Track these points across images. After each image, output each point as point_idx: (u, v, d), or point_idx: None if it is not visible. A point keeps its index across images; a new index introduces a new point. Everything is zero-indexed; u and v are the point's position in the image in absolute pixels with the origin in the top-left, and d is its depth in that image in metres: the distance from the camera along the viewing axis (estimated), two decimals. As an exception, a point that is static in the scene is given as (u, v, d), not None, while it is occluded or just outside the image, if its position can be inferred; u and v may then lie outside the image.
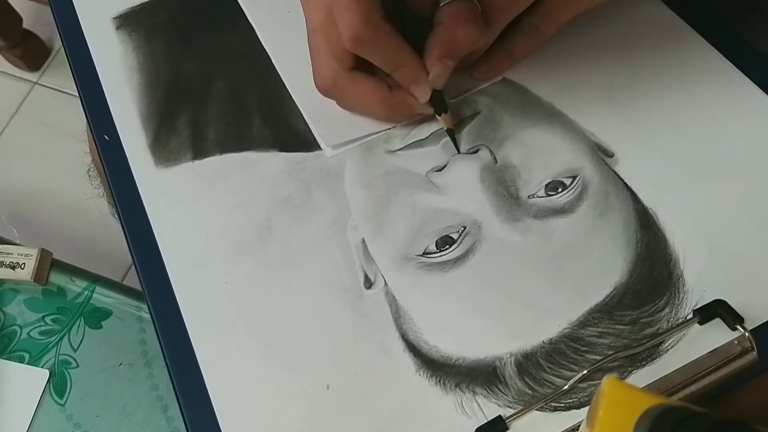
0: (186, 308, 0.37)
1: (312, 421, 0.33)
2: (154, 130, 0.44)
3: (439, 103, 0.39)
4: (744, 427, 0.22)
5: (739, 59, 0.41)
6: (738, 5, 0.45)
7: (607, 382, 0.24)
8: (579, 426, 0.31)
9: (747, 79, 0.40)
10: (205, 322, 0.36)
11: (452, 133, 0.40)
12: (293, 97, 0.43)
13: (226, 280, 0.37)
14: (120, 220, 0.41)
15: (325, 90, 0.39)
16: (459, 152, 0.39)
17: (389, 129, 0.41)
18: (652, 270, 0.35)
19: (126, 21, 0.49)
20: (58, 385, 0.51)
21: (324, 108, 0.41)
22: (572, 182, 0.38)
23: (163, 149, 0.43)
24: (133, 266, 0.39)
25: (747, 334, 0.32)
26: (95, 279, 0.56)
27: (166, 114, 0.44)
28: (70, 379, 0.52)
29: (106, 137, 0.44)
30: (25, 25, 1.34)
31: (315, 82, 0.39)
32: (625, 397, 0.23)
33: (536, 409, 0.32)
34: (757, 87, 0.40)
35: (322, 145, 0.41)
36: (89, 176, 0.65)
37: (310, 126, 0.42)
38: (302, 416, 0.33)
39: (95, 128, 0.45)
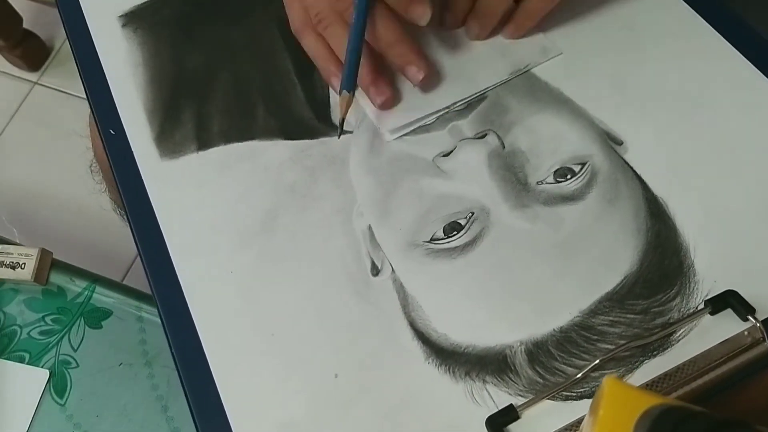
0: (192, 298, 0.37)
1: (319, 410, 0.33)
2: (159, 123, 0.43)
3: None
4: (744, 426, 0.22)
5: (751, 51, 0.40)
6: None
7: (607, 382, 0.24)
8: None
9: (756, 70, 0.40)
10: (211, 311, 0.36)
11: None
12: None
13: (231, 270, 0.37)
14: (126, 212, 0.41)
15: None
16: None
17: (445, 110, 0.40)
18: (663, 259, 0.35)
19: (131, 18, 0.49)
20: (58, 385, 0.51)
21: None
22: (581, 169, 0.37)
23: (168, 141, 0.42)
24: (132, 266, 0.39)
25: (759, 324, 0.32)
26: (95, 279, 0.55)
27: (171, 107, 0.44)
28: (70, 379, 0.51)
29: (112, 131, 0.44)
30: (26, 25, 1.34)
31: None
32: (625, 397, 0.23)
33: (547, 398, 0.31)
34: (765, 78, 0.39)
35: (381, 130, 0.40)
36: (91, 171, 0.65)
37: (368, 114, 0.41)
38: (310, 405, 0.33)
39: (101, 123, 0.44)
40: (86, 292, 0.54)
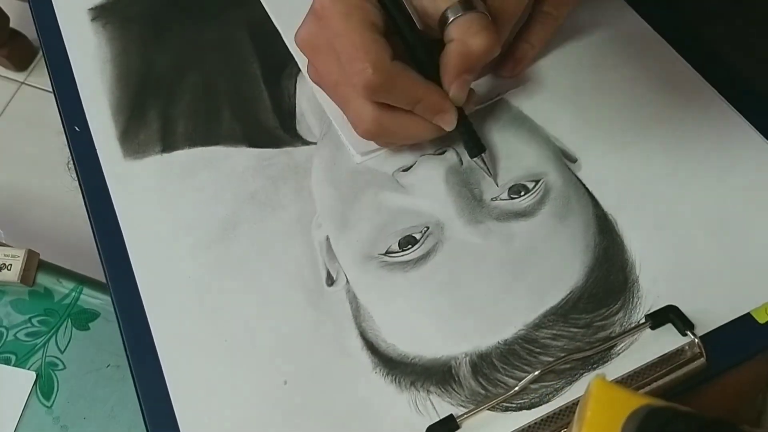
0: (148, 300, 0.37)
1: (268, 416, 0.34)
2: (124, 122, 0.44)
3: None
4: (730, 426, 0.23)
5: (706, 68, 0.42)
6: (706, 15, 0.45)
7: (596, 383, 0.24)
8: (529, 426, 0.32)
9: (712, 88, 0.41)
10: (166, 314, 0.37)
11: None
12: (324, 108, 0.42)
13: (189, 274, 0.38)
14: (87, 210, 0.41)
15: (371, 134, 0.37)
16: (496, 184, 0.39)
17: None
18: (609, 274, 0.36)
19: (101, 12, 0.49)
20: (44, 386, 0.51)
21: None
22: (535, 186, 0.38)
23: (132, 141, 0.43)
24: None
25: (697, 340, 0.33)
26: (82, 280, 0.55)
27: (136, 106, 0.44)
28: (57, 381, 0.51)
29: (77, 128, 0.44)
30: (12, 24, 1.32)
31: (358, 132, 0.37)
32: (612, 398, 0.24)
33: (488, 409, 0.32)
34: (721, 97, 0.41)
35: (351, 152, 0.41)
36: (68, 168, 0.65)
37: (340, 134, 0.41)
38: (259, 411, 0.34)
39: (66, 119, 0.45)
40: (73, 294, 0.54)
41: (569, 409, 0.32)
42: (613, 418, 0.23)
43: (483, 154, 0.38)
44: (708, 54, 0.42)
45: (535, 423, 0.32)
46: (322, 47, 0.36)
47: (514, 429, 0.32)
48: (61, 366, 0.52)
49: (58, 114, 0.45)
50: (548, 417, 0.32)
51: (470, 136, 0.38)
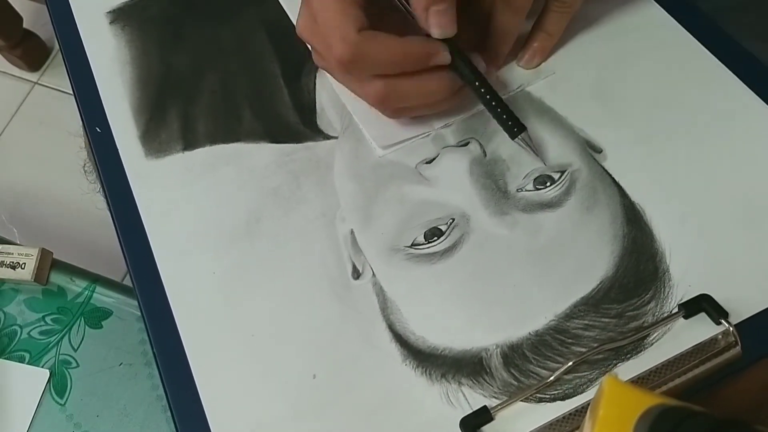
0: (174, 298, 0.37)
1: (298, 411, 0.33)
2: (144, 122, 0.44)
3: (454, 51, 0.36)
4: (744, 426, 0.22)
5: (729, 58, 0.41)
6: (729, 4, 0.45)
7: (608, 382, 0.24)
8: (563, 417, 0.31)
9: (735, 77, 0.40)
10: (192, 311, 0.37)
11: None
12: (344, 102, 0.42)
13: (214, 270, 0.38)
14: (110, 210, 0.41)
15: (386, 102, 0.37)
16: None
17: (440, 128, 0.40)
18: (639, 264, 0.35)
19: (119, 15, 0.49)
20: (58, 384, 0.51)
21: (375, 111, 0.41)
22: (561, 177, 0.38)
23: (154, 141, 0.43)
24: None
25: (731, 328, 0.32)
26: (95, 279, 0.55)
27: (157, 106, 0.44)
28: (71, 379, 0.51)
29: (98, 129, 0.44)
30: (26, 25, 1.34)
31: (373, 105, 0.37)
32: (625, 397, 0.24)
33: (521, 400, 0.32)
34: (745, 86, 0.40)
35: (373, 146, 0.41)
36: (85, 171, 0.65)
37: (361, 128, 0.41)
38: (288, 405, 0.33)
39: (87, 121, 0.45)
40: (86, 292, 0.55)
41: (604, 400, 0.32)
42: (625, 417, 0.23)
43: (524, 133, 0.37)
44: (730, 44, 0.42)
45: (570, 414, 0.31)
46: (314, 30, 0.36)
47: (548, 420, 0.31)
48: (74, 364, 0.52)
49: (71, 114, 0.45)
50: (582, 408, 0.31)
51: (508, 116, 0.37)
